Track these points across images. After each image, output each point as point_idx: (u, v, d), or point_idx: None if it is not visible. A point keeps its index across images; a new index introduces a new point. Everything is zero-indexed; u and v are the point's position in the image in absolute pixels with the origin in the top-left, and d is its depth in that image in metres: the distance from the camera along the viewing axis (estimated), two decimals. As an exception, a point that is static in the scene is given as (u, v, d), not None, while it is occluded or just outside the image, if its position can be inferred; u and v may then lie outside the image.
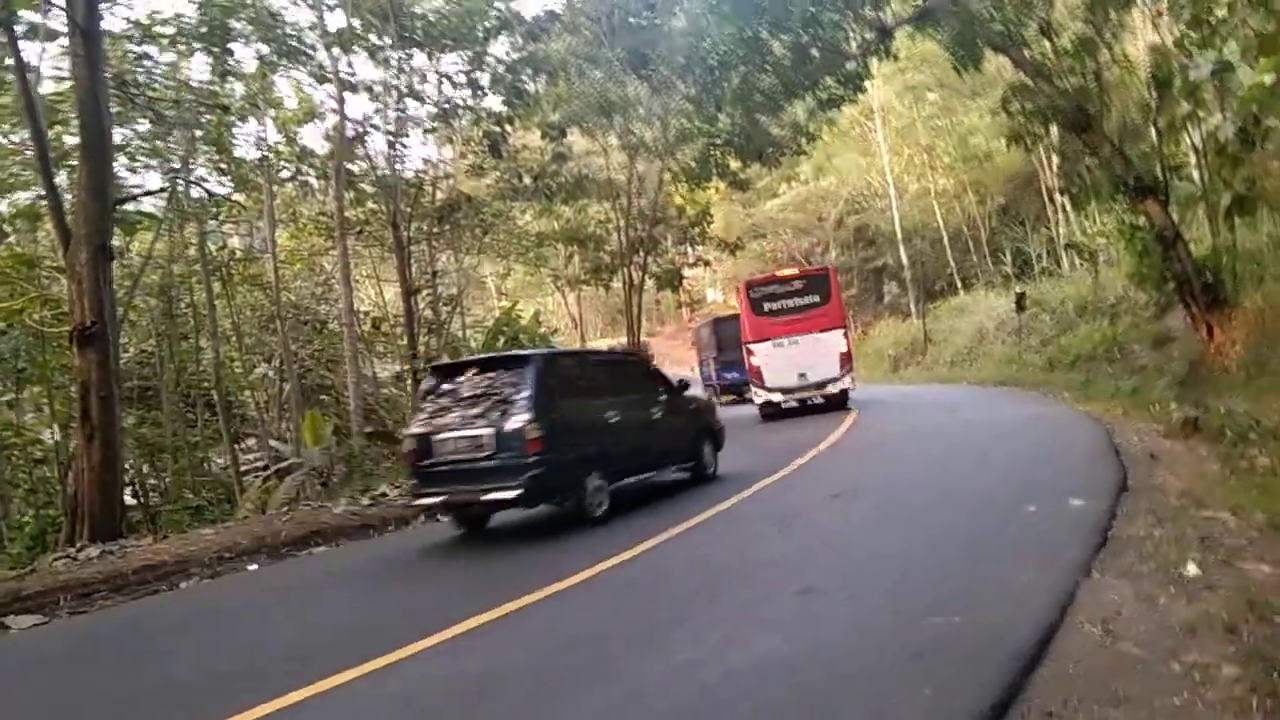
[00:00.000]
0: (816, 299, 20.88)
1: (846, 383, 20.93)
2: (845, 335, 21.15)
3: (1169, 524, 6.90)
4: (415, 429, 9.97)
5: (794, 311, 20.84)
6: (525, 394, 9.36)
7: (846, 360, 20.86)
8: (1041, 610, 5.09)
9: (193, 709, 4.97)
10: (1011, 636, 4.71)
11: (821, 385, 20.68)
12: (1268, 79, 8.59)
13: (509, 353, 13.98)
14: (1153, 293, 19.27)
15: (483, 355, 14.20)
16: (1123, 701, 3.88)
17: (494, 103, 23.25)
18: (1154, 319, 21.56)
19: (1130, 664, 4.30)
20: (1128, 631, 4.72)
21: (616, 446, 10.58)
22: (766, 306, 21.01)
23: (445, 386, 10.15)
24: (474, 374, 10.05)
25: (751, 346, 21.03)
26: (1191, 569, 5.64)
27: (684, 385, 12.81)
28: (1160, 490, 8.34)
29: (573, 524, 9.67)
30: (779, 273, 23.18)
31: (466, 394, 9.83)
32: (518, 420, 9.16)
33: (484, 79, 22.07)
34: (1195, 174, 18.71)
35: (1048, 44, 17.42)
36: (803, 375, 20.15)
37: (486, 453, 9.24)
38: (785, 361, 20.43)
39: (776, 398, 20.81)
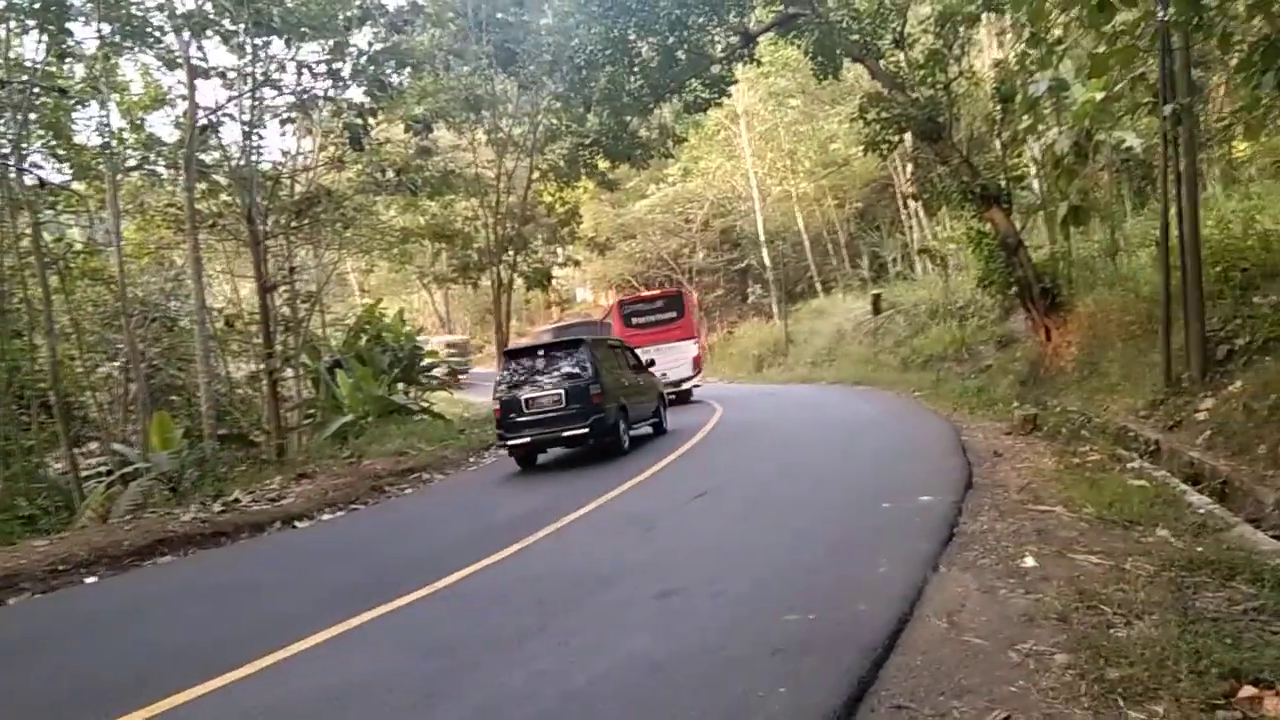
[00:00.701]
0: (674, 314, 24.98)
1: (696, 381, 25.34)
2: (697, 344, 24.70)
3: (1009, 518, 7.29)
4: (502, 394, 14.20)
5: (656, 325, 24.72)
6: (586, 364, 14.02)
7: (697, 364, 25.38)
8: (892, 605, 5.30)
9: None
10: (864, 631, 4.89)
11: (678, 384, 23.95)
12: (1098, 96, 9.15)
13: (566, 337, 16.90)
14: (998, 297, 20.27)
15: (547, 340, 17.49)
16: (965, 691, 4.08)
17: (356, 94, 22.60)
18: (999, 321, 22.71)
19: (973, 654, 4.52)
20: (971, 623, 4.96)
21: (630, 404, 15.25)
22: (635, 320, 24.86)
23: (515, 364, 14.62)
24: (540, 354, 14.53)
25: None
26: (1029, 561, 5.98)
27: (650, 364, 18.01)
28: (1002, 486, 8.80)
29: (430, 533, 9.51)
30: (644, 293, 27.74)
31: (539, 368, 14.32)
32: (584, 381, 13.81)
33: (345, 69, 21.34)
34: (1035, 184, 19.81)
35: (901, 55, 18.14)
36: (664, 375, 21.84)
37: (562, 405, 13.76)
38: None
39: None
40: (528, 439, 13.91)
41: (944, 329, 25.53)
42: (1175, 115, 9.61)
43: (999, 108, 17.02)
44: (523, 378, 14.28)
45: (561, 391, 13.77)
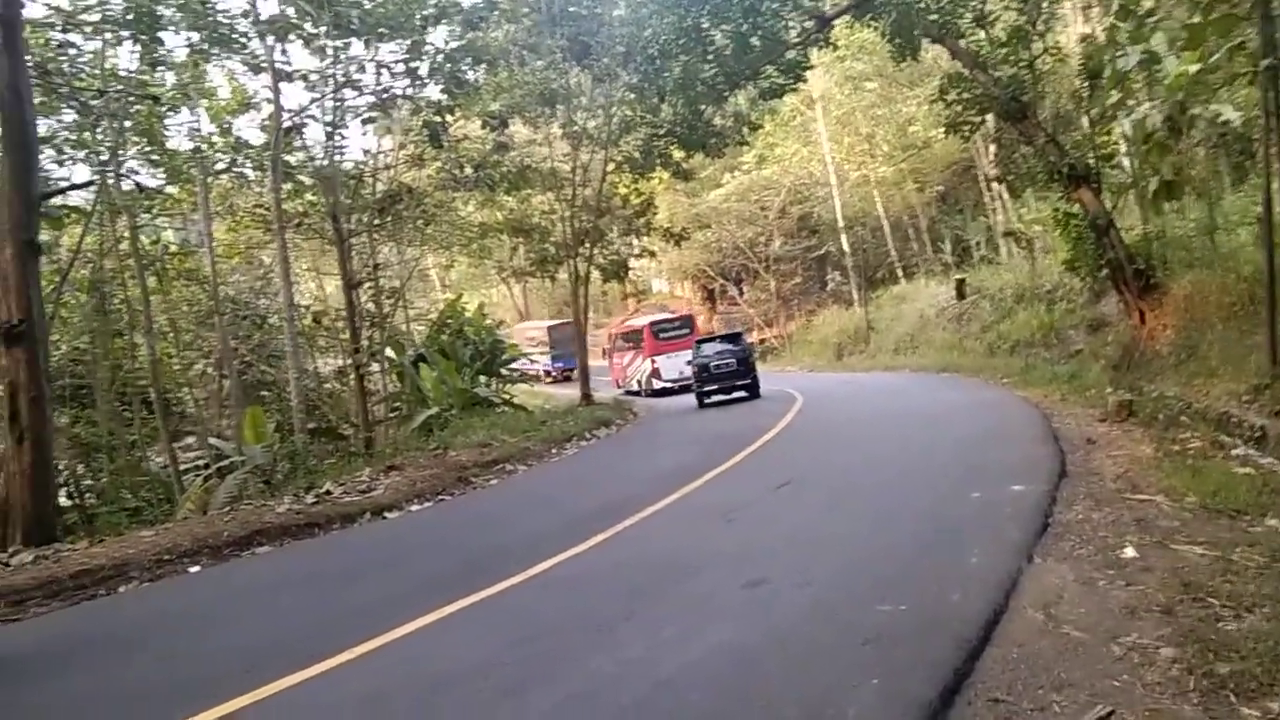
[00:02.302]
0: (687, 331, 31.98)
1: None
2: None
3: (1106, 507, 7.08)
4: (699, 361, 23.85)
5: (675, 338, 31.60)
6: (745, 346, 24.55)
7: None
8: (986, 595, 5.19)
9: (147, 713, 4.84)
10: (957, 622, 4.80)
11: (674, 381, 30.92)
12: (1193, 68, 8.79)
13: (733, 331, 28.70)
14: (1087, 279, 19.67)
15: (722, 332, 29.77)
16: (1066, 685, 3.97)
17: (433, 92, 22.94)
18: (1089, 305, 22.04)
19: (1072, 647, 4.40)
20: (1069, 615, 4.83)
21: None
22: (661, 335, 32.09)
23: (703, 346, 24.59)
24: (718, 340, 25.06)
25: (655, 358, 31.60)
26: (1129, 552, 5.79)
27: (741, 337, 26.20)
28: (1097, 474, 8.54)
29: (519, 522, 9.66)
30: (666, 316, 35.53)
31: (718, 347, 24.44)
32: (745, 355, 23.75)
33: (423, 68, 21.69)
34: (1126, 162, 19.13)
35: (983, 34, 17.68)
36: (681, 373, 29.02)
37: (735, 370, 23.21)
38: (671, 365, 30.68)
39: (667, 385, 30.94)
40: (715, 387, 23.53)
41: (1031, 313, 24.89)
42: (1276, 81, 9.18)
43: (1086, 84, 16.49)
44: (708, 353, 24.09)
45: (734, 361, 23.45)
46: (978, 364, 24.30)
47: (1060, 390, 16.37)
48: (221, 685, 5.09)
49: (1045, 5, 17.00)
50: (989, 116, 19.19)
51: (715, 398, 23.48)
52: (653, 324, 33.16)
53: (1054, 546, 6.18)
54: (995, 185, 33.09)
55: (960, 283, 29.78)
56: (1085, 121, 18.02)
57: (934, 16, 16.87)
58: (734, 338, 25.97)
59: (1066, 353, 20.65)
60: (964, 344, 28.19)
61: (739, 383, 23.30)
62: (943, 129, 19.44)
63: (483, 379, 26.26)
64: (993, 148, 31.47)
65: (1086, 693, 3.88)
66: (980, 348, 26.69)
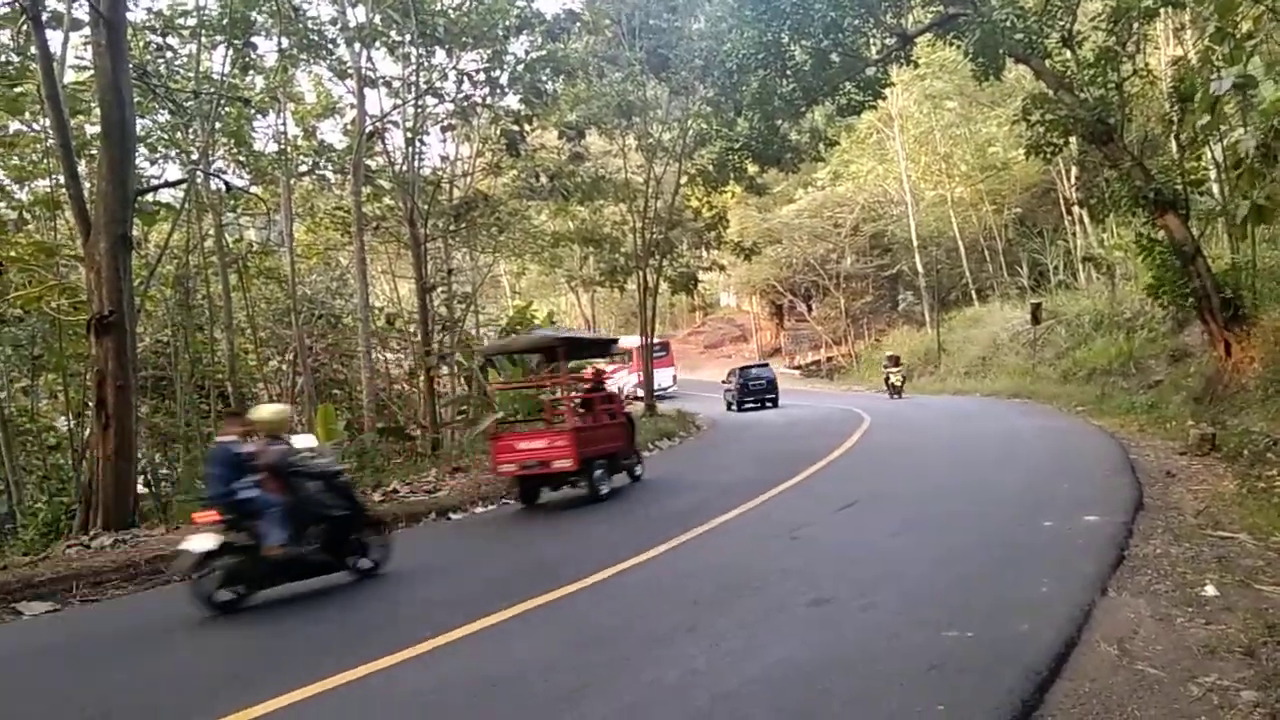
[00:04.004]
0: (665, 353, 41.15)
1: (675, 387, 42.04)
2: (673, 369, 42.91)
3: (1186, 543, 6.86)
4: (740, 381, 32.45)
5: (657, 357, 35.32)
6: (771, 372, 34.09)
7: (674, 378, 42.39)
8: (1057, 626, 5.05)
9: (211, 699, 4.95)
10: (1027, 652, 4.68)
11: (665, 386, 38.72)
12: (1292, 94, 8.51)
13: (762, 362, 40.24)
14: (1170, 308, 19.12)
15: (756, 362, 40.12)
16: (1140, 723, 3.84)
17: (512, 101, 23.28)
18: (1171, 334, 21.44)
19: (1148, 684, 4.26)
20: (1145, 651, 4.68)
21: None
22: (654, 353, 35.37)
23: (743, 371, 33.58)
24: (753, 368, 34.70)
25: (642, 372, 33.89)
26: (1209, 589, 5.60)
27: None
28: (1177, 509, 8.28)
29: (583, 528, 9.72)
30: (654, 342, 37.20)
31: (753, 373, 33.45)
32: (771, 377, 33.10)
33: (503, 77, 22.05)
34: (1215, 189, 18.58)
35: (1069, 54, 17.32)
36: (661, 385, 35.90)
37: (765, 387, 32.35)
38: (656, 378, 33.68)
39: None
40: (754, 401, 32.02)
41: (1109, 341, 24.29)
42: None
43: (1176, 108, 16.05)
44: (747, 378, 32.70)
45: (767, 381, 32.64)
46: (1051, 391, 23.77)
47: (1138, 421, 15.93)
48: (287, 675, 5.21)
49: (1136, 26, 16.60)
50: (1073, 139, 18.78)
51: (749, 406, 32.13)
52: (643, 347, 36.07)
53: (1129, 580, 5.99)
54: (1076, 209, 32.41)
55: (1036, 307, 29.16)
56: (1174, 146, 17.56)
57: (1019, 36, 16.57)
58: (763, 365, 36.77)
59: (1146, 382, 20.08)
60: (1037, 370, 27.61)
61: (768, 396, 32.37)
62: (1024, 150, 19.07)
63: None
64: (1075, 170, 30.87)
65: (1162, 732, 3.76)
66: (1054, 374, 26.11)
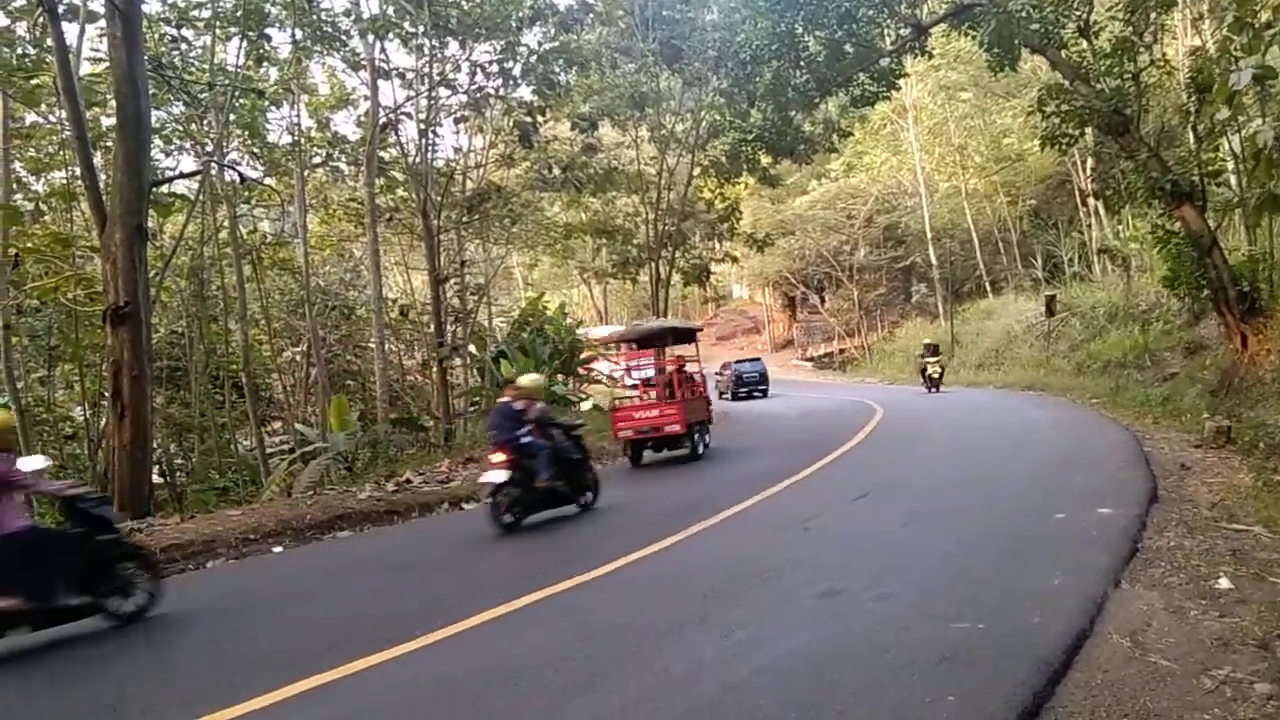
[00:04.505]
0: (653, 350, 36.31)
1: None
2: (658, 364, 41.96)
3: (1200, 536, 6.82)
4: (735, 373, 35.42)
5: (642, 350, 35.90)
6: (763, 365, 36.93)
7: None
8: (1069, 618, 5.03)
9: (221, 687, 4.99)
10: (1039, 644, 4.66)
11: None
12: (1312, 84, 8.43)
13: (755, 357, 37.64)
14: (1186, 300, 18.99)
15: (749, 356, 38.78)
16: (1152, 715, 3.84)
17: (525, 93, 23.29)
18: (1187, 326, 21.29)
19: (1160, 677, 4.25)
20: (1158, 643, 4.66)
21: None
22: (633, 347, 36.61)
23: (737, 365, 36.38)
24: (747, 362, 36.63)
25: (628, 363, 35.25)
26: (1223, 582, 5.57)
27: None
28: (1191, 501, 8.23)
29: (596, 523, 9.81)
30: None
31: (746, 366, 36.04)
32: (763, 370, 36.10)
33: (516, 69, 22.05)
34: (1233, 180, 18.42)
35: (1086, 45, 17.19)
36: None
37: (757, 380, 35.23)
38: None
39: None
40: (746, 391, 34.22)
41: (1124, 333, 24.15)
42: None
43: (1194, 98, 15.91)
44: (741, 370, 33.88)
45: (759, 374, 34.94)
46: (1065, 383, 23.66)
47: (1153, 413, 15.85)
48: (300, 663, 5.24)
49: (1154, 16, 16.44)
50: (1089, 130, 18.64)
51: (742, 395, 34.68)
52: (627, 342, 41.83)
53: (1142, 573, 5.97)
54: (1091, 200, 32.21)
55: (1050, 299, 29.02)
56: (1191, 137, 17.41)
57: (1035, 26, 16.45)
58: (755, 360, 37.93)
59: (1161, 375, 19.96)
60: (1051, 362, 27.48)
61: (759, 387, 35.28)
62: (1039, 142, 18.95)
63: (560, 377, 26.47)
64: (1091, 162, 30.67)
65: (1174, 724, 3.74)
66: (1068, 366, 25.98)
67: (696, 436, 15.76)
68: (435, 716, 4.50)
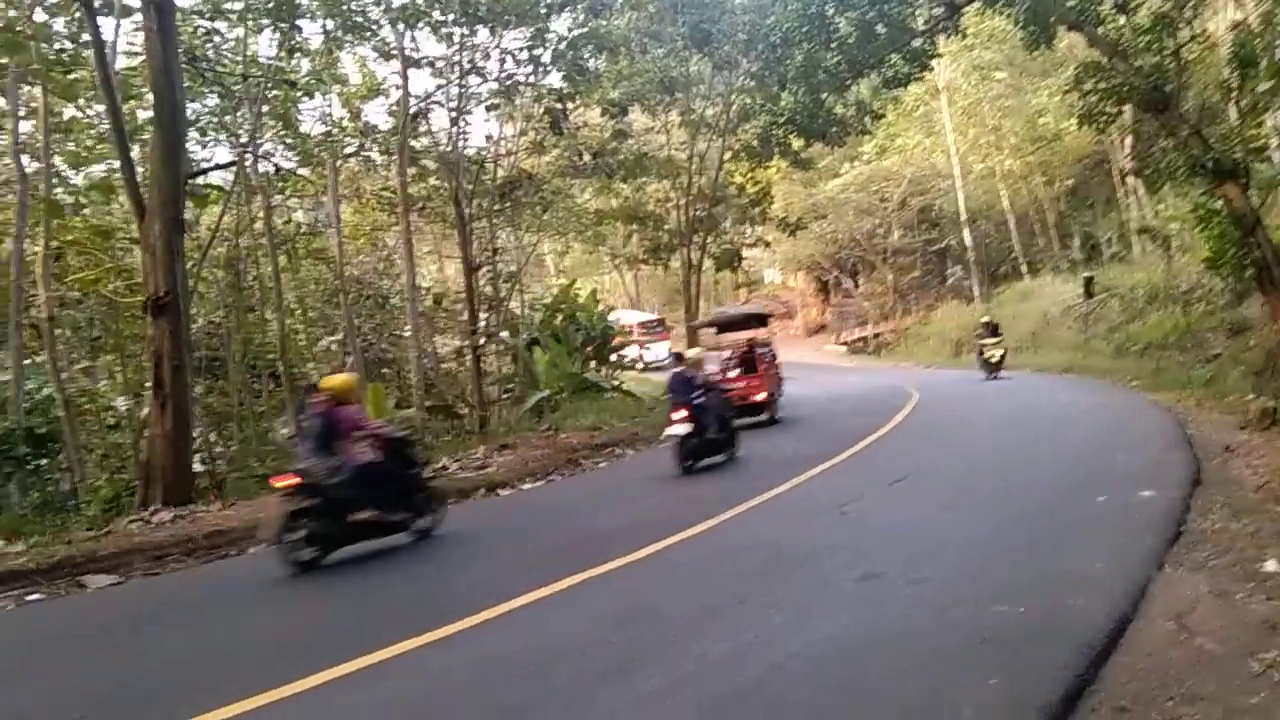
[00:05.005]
0: (661, 328, 42.83)
1: (669, 359, 39.12)
2: (669, 342, 39.46)
3: (1245, 518, 6.71)
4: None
5: (655, 333, 41.35)
6: (772, 347, 20.84)
7: (670, 350, 40.09)
8: (1112, 602, 4.98)
9: (269, 669, 5.07)
10: (1082, 627, 4.62)
11: (661, 359, 35.92)
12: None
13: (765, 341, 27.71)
14: (1229, 280, 18.64)
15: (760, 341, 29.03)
16: (1198, 698, 3.79)
17: (555, 79, 23.26)
18: (1230, 307, 20.90)
19: (1206, 660, 4.20)
20: (1203, 626, 4.60)
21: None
22: (647, 331, 41.29)
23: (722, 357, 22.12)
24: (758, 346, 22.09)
25: (641, 347, 37.84)
26: (1271, 565, 5.48)
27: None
28: (1236, 483, 8.11)
29: (631, 504, 9.81)
30: (649, 318, 44.14)
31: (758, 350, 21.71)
32: (772, 353, 20.20)
33: (545, 55, 22.04)
34: (1277, 156, 18.04)
35: (1124, 20, 16.87)
36: (658, 356, 36.13)
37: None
38: (652, 351, 37.81)
39: (650, 363, 36.57)
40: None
41: (1165, 314, 23.75)
42: None
43: (1237, 73, 15.57)
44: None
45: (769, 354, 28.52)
46: (1104, 366, 23.32)
47: (1195, 395, 15.60)
48: (348, 643, 5.33)
49: (1194, -10, 16.10)
50: (1127, 108, 18.32)
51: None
52: (640, 323, 43.32)
53: (1186, 556, 5.89)
54: (1130, 180, 31.61)
55: (1089, 280, 28.58)
56: (1233, 113, 17.05)
57: (1071, 2, 16.16)
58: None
59: (1203, 356, 19.63)
60: (1090, 344, 27.09)
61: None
62: (1076, 121, 18.65)
63: (593, 364, 26.51)
64: (1129, 140, 30.12)
65: (1221, 707, 3.70)
66: (1107, 349, 25.61)
67: (775, 402, 18.39)
68: (494, 695, 4.54)
